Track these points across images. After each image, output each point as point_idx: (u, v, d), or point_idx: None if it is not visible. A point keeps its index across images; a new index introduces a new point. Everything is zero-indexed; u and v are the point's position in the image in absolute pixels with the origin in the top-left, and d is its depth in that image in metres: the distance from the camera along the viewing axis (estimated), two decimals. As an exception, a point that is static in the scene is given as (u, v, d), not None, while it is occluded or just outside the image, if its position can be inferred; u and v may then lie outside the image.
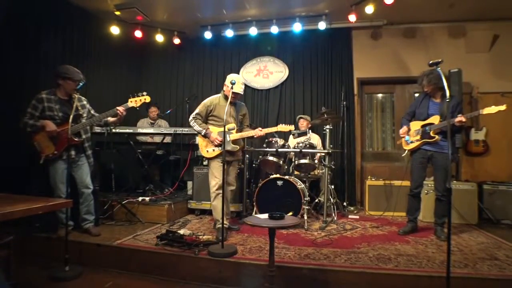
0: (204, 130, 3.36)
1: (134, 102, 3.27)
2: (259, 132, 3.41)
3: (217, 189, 3.31)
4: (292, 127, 3.45)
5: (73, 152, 3.15)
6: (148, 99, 3.31)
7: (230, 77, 3.36)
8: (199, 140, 3.49)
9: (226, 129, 3.26)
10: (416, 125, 3.42)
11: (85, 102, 3.30)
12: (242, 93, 3.42)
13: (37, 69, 3.91)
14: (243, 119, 3.59)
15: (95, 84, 4.64)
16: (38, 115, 3.04)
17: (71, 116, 2.81)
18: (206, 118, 3.45)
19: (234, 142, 3.40)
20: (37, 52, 3.95)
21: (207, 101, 3.47)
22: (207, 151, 3.39)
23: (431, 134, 3.24)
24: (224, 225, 3.21)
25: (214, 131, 3.37)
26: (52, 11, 4.13)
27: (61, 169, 3.08)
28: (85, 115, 3.22)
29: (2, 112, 3.56)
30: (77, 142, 3.13)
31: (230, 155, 3.41)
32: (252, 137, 3.50)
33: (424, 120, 3.37)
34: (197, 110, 3.44)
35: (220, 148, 3.30)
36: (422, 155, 3.37)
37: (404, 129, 3.47)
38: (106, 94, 4.99)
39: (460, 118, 3.04)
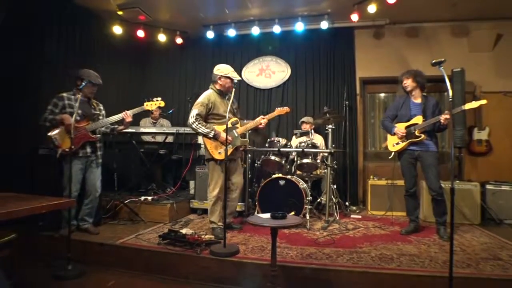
0: (213, 132, 3.17)
1: (149, 105, 3.48)
2: (262, 120, 3.39)
3: (219, 192, 3.22)
4: (288, 109, 3.59)
5: (89, 150, 3.22)
6: (162, 104, 3.53)
7: (223, 69, 3.33)
8: (205, 142, 3.25)
9: (230, 124, 3.24)
10: (400, 127, 3.43)
11: (101, 107, 3.46)
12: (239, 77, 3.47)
13: (40, 69, 3.92)
14: (236, 112, 3.57)
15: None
16: (58, 111, 3.12)
17: (77, 106, 2.86)
18: (205, 117, 3.28)
19: (241, 135, 3.40)
20: (40, 52, 3.97)
21: (204, 99, 3.26)
22: (219, 152, 3.20)
23: (417, 133, 3.28)
24: (221, 226, 3.20)
25: (220, 130, 3.21)
26: (55, 11, 4.15)
27: (77, 168, 3.12)
28: (101, 118, 3.35)
29: (4, 112, 3.57)
30: (93, 139, 3.21)
31: (236, 151, 3.39)
32: (257, 127, 3.44)
33: (407, 121, 3.40)
34: (196, 111, 3.18)
35: (231, 145, 3.23)
36: (410, 155, 3.39)
37: (399, 128, 3.40)
38: (109, 94, 4.99)
39: (446, 115, 3.07)
